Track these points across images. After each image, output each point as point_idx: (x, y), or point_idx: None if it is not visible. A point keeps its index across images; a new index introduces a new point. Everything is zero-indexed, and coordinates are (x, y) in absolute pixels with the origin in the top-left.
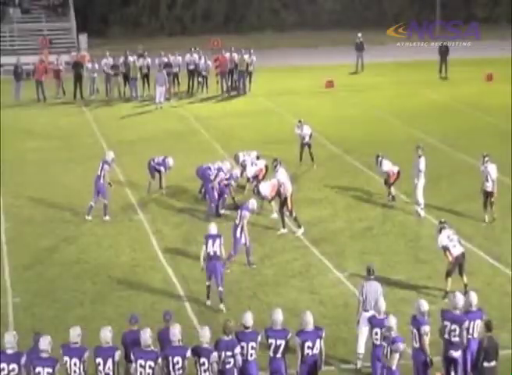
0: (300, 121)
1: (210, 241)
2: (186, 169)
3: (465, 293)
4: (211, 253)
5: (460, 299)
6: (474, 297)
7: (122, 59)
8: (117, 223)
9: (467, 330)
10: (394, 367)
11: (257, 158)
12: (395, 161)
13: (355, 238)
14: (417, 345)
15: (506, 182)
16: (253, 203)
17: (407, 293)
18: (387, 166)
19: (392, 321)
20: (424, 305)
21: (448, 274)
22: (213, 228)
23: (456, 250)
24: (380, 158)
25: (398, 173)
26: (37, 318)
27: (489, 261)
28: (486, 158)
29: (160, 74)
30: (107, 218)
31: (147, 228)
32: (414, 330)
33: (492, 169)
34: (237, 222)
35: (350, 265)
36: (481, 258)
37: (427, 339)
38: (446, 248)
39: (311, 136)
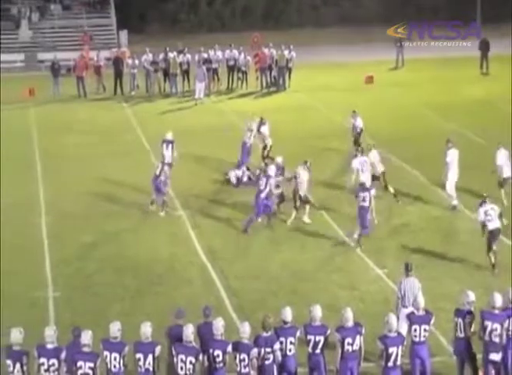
0: (354, 111)
1: None
2: (227, 165)
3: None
4: None
5: (498, 298)
6: (510, 294)
7: (162, 56)
8: (157, 218)
9: (508, 328)
10: None
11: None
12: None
13: (393, 234)
14: (462, 335)
15: None
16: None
17: (445, 289)
18: (374, 157)
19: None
20: (471, 296)
21: (489, 249)
22: None
23: (491, 224)
24: (370, 147)
25: (383, 173)
26: (77, 313)
27: None
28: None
29: (199, 70)
30: (162, 214)
31: (186, 223)
32: (459, 320)
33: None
34: (262, 187)
35: (389, 261)
36: None
37: (472, 328)
38: (482, 223)
39: (362, 129)
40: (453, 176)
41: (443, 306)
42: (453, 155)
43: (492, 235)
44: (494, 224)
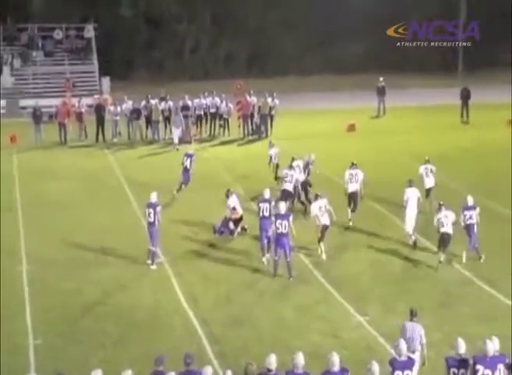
0: (270, 142)
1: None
2: (206, 211)
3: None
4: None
5: (490, 345)
6: (496, 342)
7: (144, 103)
8: (139, 266)
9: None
10: None
11: None
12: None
13: (377, 282)
14: None
15: None
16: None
17: (430, 338)
18: (233, 202)
19: None
20: (462, 345)
21: (438, 249)
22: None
23: (443, 229)
24: (230, 193)
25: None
26: (59, 360)
27: None
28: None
29: (176, 117)
30: (154, 267)
31: (168, 271)
32: (455, 370)
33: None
34: (284, 230)
35: (371, 308)
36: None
37: None
38: (436, 227)
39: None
40: (410, 214)
41: (429, 355)
42: (409, 194)
43: (442, 238)
44: (445, 229)
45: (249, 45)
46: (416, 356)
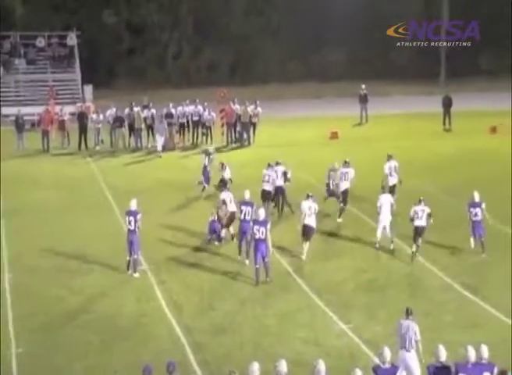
0: (221, 163)
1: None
2: (189, 217)
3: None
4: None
5: (471, 352)
6: (484, 350)
7: (127, 110)
8: (122, 274)
9: None
10: None
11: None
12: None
13: (359, 289)
14: None
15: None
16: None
17: None
18: (224, 195)
19: None
20: (444, 352)
21: (414, 240)
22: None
23: (417, 222)
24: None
25: (232, 213)
26: (42, 369)
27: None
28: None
29: (160, 125)
30: (136, 275)
31: (151, 279)
32: None
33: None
34: (262, 236)
35: (354, 316)
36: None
37: None
38: (410, 219)
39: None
40: (382, 220)
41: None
42: (382, 200)
43: (417, 231)
44: (419, 222)
45: (232, 53)
46: (412, 353)
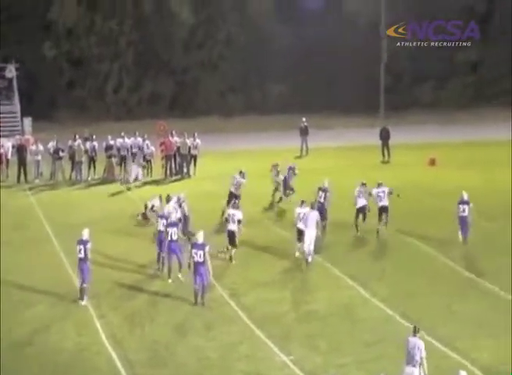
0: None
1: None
2: (130, 249)
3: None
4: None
5: None
6: None
7: (70, 142)
8: (63, 307)
9: None
10: None
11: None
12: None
13: (301, 321)
14: None
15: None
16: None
17: None
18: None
19: None
20: None
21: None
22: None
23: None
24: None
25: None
26: None
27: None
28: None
29: (136, 156)
30: (84, 303)
31: (92, 312)
32: None
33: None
34: (200, 259)
35: (295, 348)
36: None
37: None
38: (375, 200)
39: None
40: (307, 236)
41: None
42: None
43: (380, 210)
44: (383, 203)
45: (172, 85)
46: (417, 369)
